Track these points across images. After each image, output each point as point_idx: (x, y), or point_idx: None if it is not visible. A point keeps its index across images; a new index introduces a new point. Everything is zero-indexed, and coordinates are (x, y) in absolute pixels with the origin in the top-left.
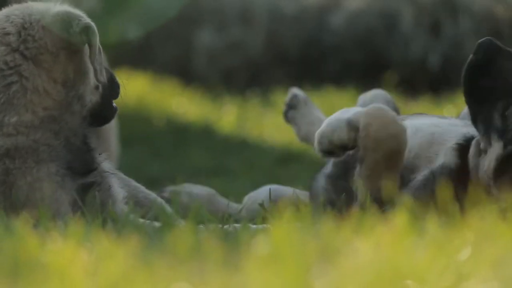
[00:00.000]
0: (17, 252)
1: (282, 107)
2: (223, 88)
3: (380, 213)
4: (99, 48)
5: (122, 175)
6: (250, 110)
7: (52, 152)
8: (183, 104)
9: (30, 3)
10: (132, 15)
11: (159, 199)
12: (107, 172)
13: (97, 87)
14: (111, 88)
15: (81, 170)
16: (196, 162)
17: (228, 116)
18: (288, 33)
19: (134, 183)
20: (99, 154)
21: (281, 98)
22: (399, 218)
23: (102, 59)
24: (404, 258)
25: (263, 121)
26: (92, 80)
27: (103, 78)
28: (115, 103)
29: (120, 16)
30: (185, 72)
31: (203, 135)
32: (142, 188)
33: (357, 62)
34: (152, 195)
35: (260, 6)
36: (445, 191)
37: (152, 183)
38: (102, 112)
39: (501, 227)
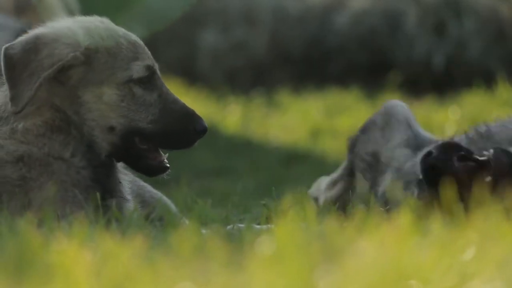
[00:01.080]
0: (21, 252)
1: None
2: (227, 88)
3: (384, 212)
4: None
5: (130, 174)
6: (254, 110)
7: (70, 171)
8: (187, 104)
9: (81, 19)
10: (136, 16)
11: (164, 198)
12: (122, 197)
13: (111, 129)
14: (155, 139)
15: (100, 192)
16: (201, 162)
17: (232, 116)
18: (291, 33)
19: (140, 182)
20: (119, 180)
21: (285, 98)
22: (403, 218)
23: (132, 106)
24: (408, 258)
25: (267, 121)
26: (103, 118)
27: (117, 123)
28: (164, 161)
29: (124, 17)
30: (189, 72)
31: (207, 135)
32: (148, 187)
33: (361, 62)
34: (158, 194)
35: (264, 7)
36: (449, 191)
37: (157, 183)
38: (130, 161)
39: (505, 228)
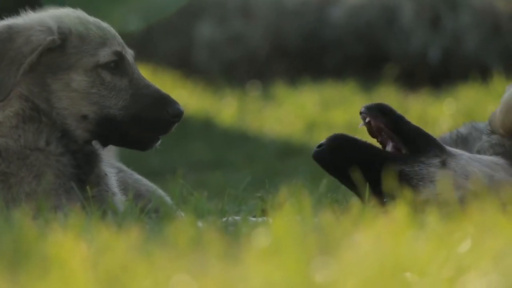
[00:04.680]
0: (17, 243)
1: (282, 100)
2: (223, 81)
3: (380, 206)
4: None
5: (124, 167)
6: (250, 103)
7: (49, 161)
8: (183, 97)
9: (52, 10)
10: (134, 7)
11: (159, 191)
12: (108, 191)
13: (84, 117)
14: (131, 126)
15: (85, 180)
16: (197, 154)
17: (228, 109)
18: (288, 27)
19: (136, 176)
20: (105, 173)
21: (281, 91)
22: (400, 210)
23: (99, 92)
24: (405, 251)
25: (263, 114)
26: (74, 106)
27: (80, 110)
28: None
29: (122, 8)
30: (185, 64)
31: (203, 128)
32: (144, 181)
33: (357, 55)
34: (154, 187)
35: (261, 0)
36: (445, 184)
37: (153, 176)
38: (116, 141)
39: (501, 220)
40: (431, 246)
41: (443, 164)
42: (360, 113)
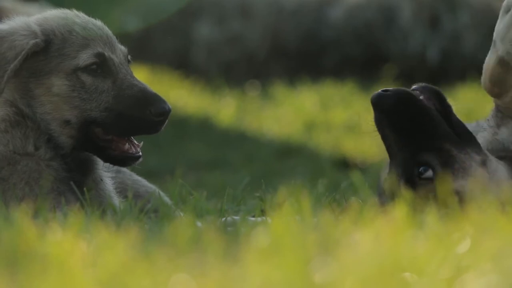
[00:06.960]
0: (16, 243)
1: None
2: (222, 81)
3: (380, 206)
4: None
5: (123, 168)
6: (249, 103)
7: (39, 167)
8: (182, 97)
9: (43, 12)
10: (133, 8)
11: (158, 191)
12: (105, 194)
13: (67, 122)
14: (114, 128)
15: (81, 182)
16: (195, 154)
17: (227, 109)
18: (287, 27)
19: (135, 176)
20: (101, 178)
21: (280, 91)
22: (399, 210)
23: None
24: (404, 251)
25: (262, 114)
26: (57, 111)
27: (60, 116)
28: (130, 152)
29: (120, 8)
30: (184, 65)
31: (202, 128)
32: (143, 181)
33: (356, 55)
34: (153, 188)
35: (259, 0)
36: (445, 185)
37: (152, 176)
38: (95, 152)
39: (500, 220)
40: (430, 246)
41: (483, 163)
42: (413, 89)
